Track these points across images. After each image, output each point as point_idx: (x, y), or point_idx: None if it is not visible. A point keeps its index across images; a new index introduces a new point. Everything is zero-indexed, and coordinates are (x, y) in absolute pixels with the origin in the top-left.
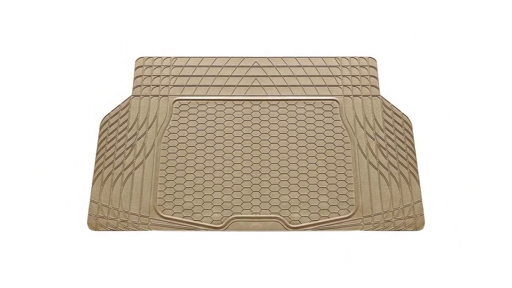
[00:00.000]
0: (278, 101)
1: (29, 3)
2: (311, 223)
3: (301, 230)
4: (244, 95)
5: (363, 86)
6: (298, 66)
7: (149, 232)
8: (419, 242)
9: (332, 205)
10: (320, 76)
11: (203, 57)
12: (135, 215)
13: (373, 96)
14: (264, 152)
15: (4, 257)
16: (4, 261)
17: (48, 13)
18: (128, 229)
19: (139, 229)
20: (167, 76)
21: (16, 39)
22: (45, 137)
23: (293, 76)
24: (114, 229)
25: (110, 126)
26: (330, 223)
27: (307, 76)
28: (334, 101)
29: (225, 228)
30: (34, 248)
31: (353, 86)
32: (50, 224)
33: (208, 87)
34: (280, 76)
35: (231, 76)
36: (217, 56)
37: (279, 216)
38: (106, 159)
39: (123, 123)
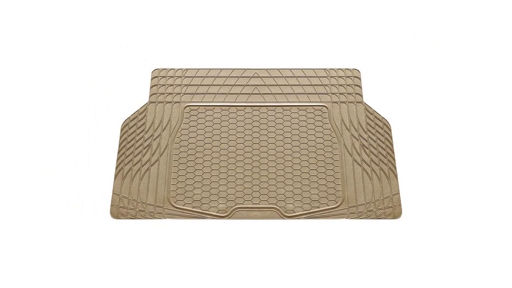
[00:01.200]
0: (275, 107)
1: (53, 13)
2: (303, 212)
3: (295, 219)
4: (246, 102)
5: (348, 94)
6: (292, 77)
7: (163, 220)
8: (397, 229)
9: (321, 197)
10: (311, 85)
11: (210, 69)
12: (151, 206)
13: (357, 102)
14: (263, 151)
15: (36, 241)
16: (38, 244)
17: (73, 25)
18: (145, 218)
19: (155, 218)
20: (179, 85)
21: (34, 43)
22: (50, 137)
23: (288, 85)
24: (133, 217)
25: (130, 128)
26: (320, 212)
27: (300, 85)
28: (324, 107)
29: (229, 216)
30: (66, 233)
31: (340, 94)
32: (78, 214)
33: (215, 94)
34: (277, 85)
35: (234, 85)
36: (222, 68)
37: (276, 206)
38: (126, 157)
39: (141, 126)
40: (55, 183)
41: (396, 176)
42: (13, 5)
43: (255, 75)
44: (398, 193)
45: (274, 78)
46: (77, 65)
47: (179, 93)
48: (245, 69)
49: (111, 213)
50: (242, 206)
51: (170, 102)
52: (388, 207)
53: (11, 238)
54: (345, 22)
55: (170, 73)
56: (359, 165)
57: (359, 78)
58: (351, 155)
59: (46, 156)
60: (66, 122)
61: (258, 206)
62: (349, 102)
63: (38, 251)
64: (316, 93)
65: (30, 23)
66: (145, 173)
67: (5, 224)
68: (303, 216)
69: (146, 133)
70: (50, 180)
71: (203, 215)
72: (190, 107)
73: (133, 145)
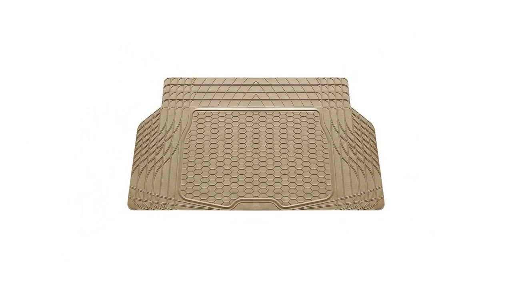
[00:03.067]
0: (272, 111)
1: (57, 13)
2: (298, 204)
3: (290, 210)
4: (247, 107)
5: (337, 100)
6: (288, 85)
7: (174, 211)
8: (380, 219)
9: (314, 190)
10: (304, 92)
11: (216, 78)
12: (164, 198)
13: (345, 107)
14: (262, 150)
15: (41, 240)
16: (43, 243)
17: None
18: (159, 209)
19: (167, 209)
20: (188, 92)
21: (40, 45)
22: (53, 137)
23: (284, 92)
24: (148, 208)
25: (145, 130)
26: (313, 204)
27: (294, 92)
28: (316, 112)
29: (232, 208)
30: (87, 222)
31: (330, 100)
32: (95, 208)
33: (220, 101)
34: (274, 92)
35: (237, 92)
36: (226, 77)
37: (273, 199)
38: (142, 155)
39: (155, 128)
40: (67, 182)
41: (379, 172)
42: (14, 5)
43: (255, 83)
44: (381, 187)
45: (272, 86)
46: (88, 66)
47: (188, 99)
48: (246, 78)
49: (128, 204)
50: (244, 198)
51: (181, 107)
52: (372, 199)
53: (12, 238)
54: (335, 36)
55: (180, 82)
56: (347, 162)
57: (347, 86)
58: (339, 154)
59: (55, 156)
60: (81, 124)
61: (257, 198)
62: (338, 107)
63: (44, 250)
64: (309, 99)
65: (31, 24)
66: (158, 169)
67: (5, 224)
68: (297, 208)
69: (159, 134)
70: (57, 179)
71: (209, 206)
72: (198, 111)
73: (147, 145)
